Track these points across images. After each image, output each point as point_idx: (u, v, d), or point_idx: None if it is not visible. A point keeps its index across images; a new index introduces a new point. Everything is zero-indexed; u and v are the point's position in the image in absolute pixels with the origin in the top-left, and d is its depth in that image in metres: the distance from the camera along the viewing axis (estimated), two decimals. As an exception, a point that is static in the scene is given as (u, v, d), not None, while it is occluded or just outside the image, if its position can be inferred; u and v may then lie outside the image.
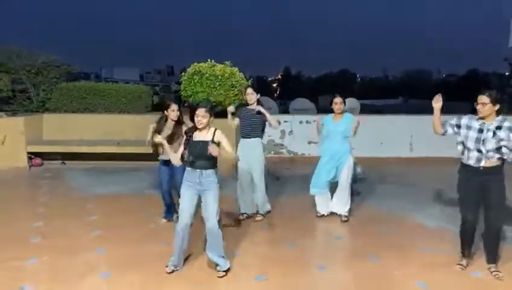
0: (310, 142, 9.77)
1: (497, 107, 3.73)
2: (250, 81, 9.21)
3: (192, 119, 3.82)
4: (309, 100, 14.44)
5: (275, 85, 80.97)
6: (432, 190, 6.99)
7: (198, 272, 3.93)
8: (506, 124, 3.73)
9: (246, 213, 5.45)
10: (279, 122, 5.99)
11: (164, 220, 5.28)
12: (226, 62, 8.91)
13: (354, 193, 5.77)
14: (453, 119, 3.98)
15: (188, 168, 3.84)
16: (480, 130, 3.77)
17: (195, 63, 8.85)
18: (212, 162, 3.80)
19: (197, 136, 3.80)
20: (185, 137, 3.88)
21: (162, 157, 5.01)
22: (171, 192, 5.20)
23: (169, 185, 5.15)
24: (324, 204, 5.52)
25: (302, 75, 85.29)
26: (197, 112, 3.72)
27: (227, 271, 3.86)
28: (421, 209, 5.93)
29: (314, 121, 5.64)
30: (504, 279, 3.82)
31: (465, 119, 3.90)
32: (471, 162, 3.83)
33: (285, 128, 9.92)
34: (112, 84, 11.12)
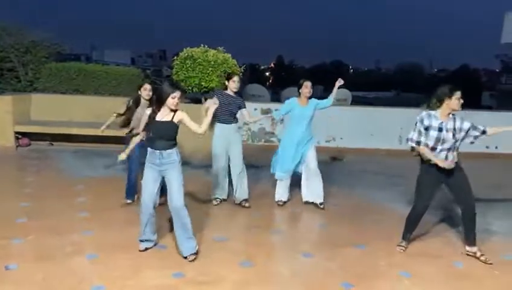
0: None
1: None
2: (242, 68, 9.15)
3: (158, 100, 3.76)
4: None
5: (267, 74, 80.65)
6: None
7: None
8: (458, 123, 3.92)
9: (219, 198, 5.46)
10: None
11: (129, 201, 5.32)
12: (219, 48, 8.83)
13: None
14: (415, 131, 4.07)
15: (149, 150, 3.84)
16: (440, 129, 3.92)
17: (188, 48, 8.76)
18: (172, 143, 3.80)
19: (158, 116, 3.77)
20: (146, 118, 3.83)
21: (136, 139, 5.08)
22: (138, 172, 5.23)
23: (137, 163, 5.20)
24: (285, 191, 5.52)
25: (294, 64, 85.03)
26: (172, 95, 3.67)
27: (196, 253, 3.88)
28: (406, 200, 5.99)
29: (269, 116, 5.62)
30: (486, 269, 3.91)
31: (426, 121, 3.98)
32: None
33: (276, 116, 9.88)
34: (102, 66, 10.93)
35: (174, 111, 3.76)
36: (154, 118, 3.76)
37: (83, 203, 5.32)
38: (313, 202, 5.49)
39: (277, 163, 5.46)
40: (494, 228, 4.97)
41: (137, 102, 5.19)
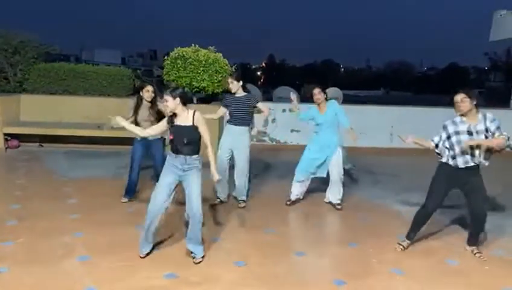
0: (292, 131, 9.81)
1: (475, 102, 3.87)
2: (234, 67, 9.13)
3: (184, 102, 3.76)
4: (293, 89, 14.47)
5: (259, 73, 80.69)
6: (411, 179, 7.14)
7: (178, 256, 3.93)
8: (488, 123, 3.84)
9: (219, 199, 5.45)
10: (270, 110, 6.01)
11: (125, 199, 5.35)
12: (210, 47, 8.81)
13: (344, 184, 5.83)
14: (437, 136, 4.06)
15: (171, 154, 3.80)
16: (470, 133, 3.85)
17: (179, 48, 8.72)
18: (197, 147, 3.77)
19: (178, 121, 3.75)
20: (166, 122, 3.81)
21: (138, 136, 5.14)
22: (139, 171, 5.33)
23: (140, 161, 5.26)
24: (298, 192, 5.54)
25: (286, 63, 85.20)
26: (164, 97, 3.69)
27: (203, 257, 3.87)
28: (399, 198, 6.05)
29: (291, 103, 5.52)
30: (476, 265, 3.96)
31: (450, 127, 3.95)
32: (459, 165, 3.92)
33: (268, 116, 9.90)
34: (92, 66, 10.81)
35: (193, 115, 3.73)
36: (174, 122, 3.74)
37: (74, 204, 5.28)
38: (330, 202, 5.58)
39: (298, 166, 5.46)
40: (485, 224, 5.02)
41: (138, 104, 5.18)
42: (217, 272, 3.67)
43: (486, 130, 3.84)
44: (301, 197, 5.65)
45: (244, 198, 5.47)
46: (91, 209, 5.09)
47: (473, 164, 3.90)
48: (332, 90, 14.14)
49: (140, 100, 5.17)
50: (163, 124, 3.86)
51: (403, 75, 64.28)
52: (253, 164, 7.30)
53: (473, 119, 3.88)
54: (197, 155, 3.78)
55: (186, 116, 3.74)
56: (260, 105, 5.32)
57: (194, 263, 3.80)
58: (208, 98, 9.05)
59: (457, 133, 3.90)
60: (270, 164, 8.00)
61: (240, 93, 5.22)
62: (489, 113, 3.92)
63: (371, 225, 5.00)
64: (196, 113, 3.76)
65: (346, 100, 14.64)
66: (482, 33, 11.38)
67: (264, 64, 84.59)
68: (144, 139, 5.05)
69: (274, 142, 10.00)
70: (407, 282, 3.63)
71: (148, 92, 5.12)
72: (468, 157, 3.89)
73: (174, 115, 3.76)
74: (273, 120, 9.95)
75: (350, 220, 5.14)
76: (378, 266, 3.91)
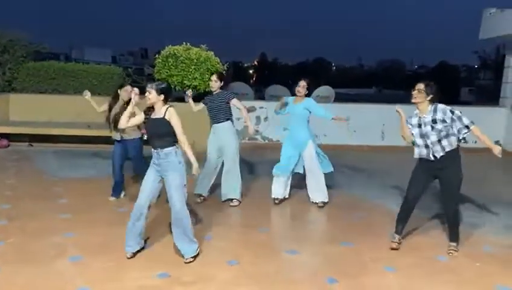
0: (285, 129, 9.78)
1: (429, 97, 3.95)
2: (226, 65, 9.11)
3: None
4: (285, 87, 14.47)
5: (251, 71, 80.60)
6: (402, 177, 7.15)
7: (171, 255, 3.91)
8: (438, 115, 3.92)
9: (200, 194, 5.45)
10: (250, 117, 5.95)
11: (113, 198, 5.40)
12: (202, 46, 8.78)
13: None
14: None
15: (152, 150, 3.80)
16: (419, 125, 4.01)
17: (170, 46, 8.68)
18: (168, 140, 3.72)
19: (153, 115, 3.77)
20: (143, 116, 3.84)
21: (114, 136, 5.28)
22: (122, 169, 5.41)
23: (119, 161, 5.34)
24: (280, 188, 5.47)
25: (278, 62, 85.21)
26: (146, 89, 3.71)
27: (195, 257, 3.83)
28: (391, 196, 6.08)
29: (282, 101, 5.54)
30: (467, 262, 3.99)
31: (410, 120, 4.12)
32: (424, 156, 4.05)
33: (261, 114, 9.91)
34: (82, 65, 10.73)
35: (166, 108, 3.73)
36: (149, 116, 3.78)
37: (65, 204, 5.23)
38: (313, 201, 5.52)
39: (279, 162, 5.46)
40: (474, 220, 5.07)
41: (114, 100, 5.30)
42: (210, 271, 3.66)
43: (434, 121, 3.92)
44: (287, 197, 5.62)
45: (235, 196, 5.44)
46: (82, 209, 5.05)
47: (432, 158, 3.99)
48: (324, 89, 14.17)
49: (117, 97, 5.28)
50: (140, 117, 3.88)
51: (394, 73, 64.66)
52: (245, 162, 7.30)
53: (423, 111, 4.00)
54: (171, 148, 3.72)
55: (160, 111, 3.75)
56: (235, 102, 5.30)
57: (184, 262, 3.77)
58: (200, 97, 9.00)
59: (412, 125, 4.08)
60: (262, 163, 7.99)
61: (217, 91, 5.34)
62: (442, 105, 3.99)
63: (363, 223, 5.02)
64: (170, 108, 3.75)
65: (338, 98, 14.70)
66: (472, 31, 11.46)
67: (256, 63, 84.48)
68: (121, 140, 5.20)
69: (266, 141, 10.00)
70: (399, 280, 3.65)
71: (126, 92, 5.13)
72: (424, 150, 4.02)
73: (152, 108, 3.77)
74: (265, 118, 9.95)
75: (342, 218, 5.16)
76: (371, 264, 3.93)
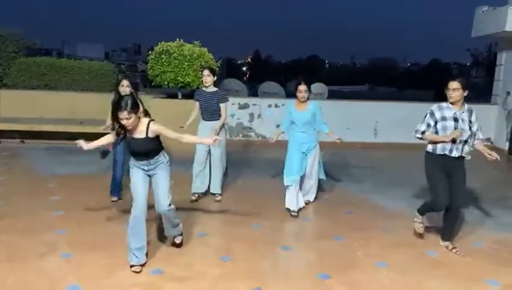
0: (278, 126, 9.79)
1: (466, 92, 3.90)
2: (219, 62, 9.08)
3: (116, 118, 3.42)
4: (278, 84, 14.45)
5: (244, 68, 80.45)
6: (395, 173, 7.23)
7: (164, 252, 3.91)
8: (473, 117, 3.95)
9: (197, 193, 5.45)
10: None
11: (115, 198, 5.29)
12: (195, 42, 8.73)
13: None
14: (423, 123, 4.07)
15: (133, 158, 3.68)
16: (455, 119, 3.91)
17: (163, 42, 8.62)
18: (157, 150, 3.65)
19: (133, 134, 3.52)
20: (112, 138, 3.67)
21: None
22: (123, 167, 5.22)
23: (122, 158, 5.21)
24: (294, 199, 5.08)
25: (271, 59, 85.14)
26: (119, 116, 3.36)
27: (181, 234, 4.00)
28: (383, 192, 6.12)
29: (278, 131, 5.39)
30: (458, 257, 4.03)
31: (437, 113, 3.99)
32: (446, 152, 3.94)
33: (254, 111, 9.91)
34: (74, 61, 10.62)
35: (147, 127, 3.49)
36: (129, 137, 3.55)
37: (56, 201, 5.20)
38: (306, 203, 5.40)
39: (285, 169, 5.12)
40: (465, 217, 5.11)
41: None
42: (203, 268, 3.66)
43: (471, 122, 3.93)
44: (300, 207, 5.19)
45: (219, 191, 5.49)
46: (74, 206, 5.01)
47: (454, 155, 3.93)
48: (317, 86, 14.19)
49: (119, 96, 5.11)
50: (109, 137, 3.71)
51: (387, 71, 64.87)
52: (239, 159, 7.30)
53: (459, 106, 3.94)
54: (159, 154, 3.67)
55: (140, 129, 3.51)
56: (222, 106, 5.25)
57: (175, 243, 3.94)
58: (193, 94, 8.97)
59: (443, 118, 3.94)
60: (256, 159, 8.00)
61: (211, 88, 5.27)
62: (470, 106, 4.01)
63: (356, 218, 5.04)
64: (151, 124, 3.51)
65: (331, 95, 14.71)
66: (465, 29, 11.52)
67: (249, 60, 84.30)
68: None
69: (260, 138, 9.99)
70: (390, 275, 3.68)
71: (123, 87, 5.03)
72: (449, 145, 3.91)
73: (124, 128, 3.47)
74: (259, 115, 9.94)
75: (335, 214, 5.18)
76: (363, 259, 3.95)
